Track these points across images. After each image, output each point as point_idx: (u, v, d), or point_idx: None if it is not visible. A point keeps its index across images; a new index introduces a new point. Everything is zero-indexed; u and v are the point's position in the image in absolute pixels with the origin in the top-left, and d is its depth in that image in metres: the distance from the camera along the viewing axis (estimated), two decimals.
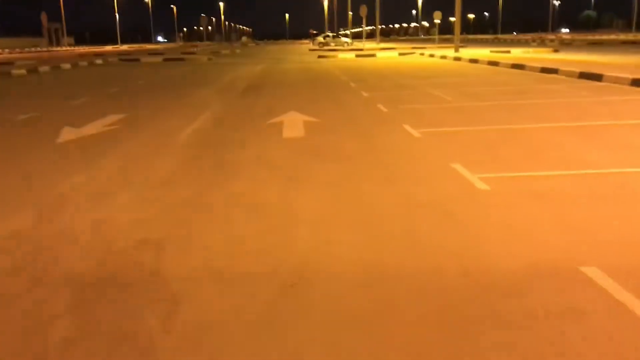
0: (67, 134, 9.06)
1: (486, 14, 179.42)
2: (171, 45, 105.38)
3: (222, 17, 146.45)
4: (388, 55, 37.43)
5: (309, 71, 24.05)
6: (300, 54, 47.72)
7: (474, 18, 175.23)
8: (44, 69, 26.23)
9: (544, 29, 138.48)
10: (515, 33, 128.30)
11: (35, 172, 6.62)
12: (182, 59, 35.74)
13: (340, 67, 25.96)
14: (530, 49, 37.03)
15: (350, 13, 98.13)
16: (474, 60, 25.37)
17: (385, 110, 10.98)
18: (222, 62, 33.95)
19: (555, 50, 35.73)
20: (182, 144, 8.12)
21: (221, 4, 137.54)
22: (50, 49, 75.89)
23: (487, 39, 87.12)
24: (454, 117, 9.83)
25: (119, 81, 20.58)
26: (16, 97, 15.96)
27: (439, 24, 59.20)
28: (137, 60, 35.68)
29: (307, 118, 10.14)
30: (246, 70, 25.39)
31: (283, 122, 9.81)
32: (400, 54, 37.33)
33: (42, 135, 9.09)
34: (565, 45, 49.23)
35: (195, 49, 58.96)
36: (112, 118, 10.73)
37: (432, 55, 33.13)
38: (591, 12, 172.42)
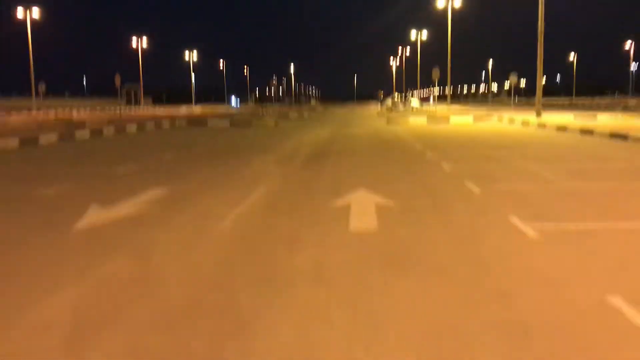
0: (92, 215, 7.51)
1: (558, 75, 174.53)
2: (242, 107, 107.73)
3: (293, 78, 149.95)
4: (462, 120, 35.33)
5: (378, 137, 22.33)
6: (368, 117, 46.48)
7: (545, 82, 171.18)
8: (109, 132, 25.89)
9: (620, 92, 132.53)
10: (616, 95, 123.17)
11: (19, 280, 4.96)
12: (249, 123, 35.08)
13: (411, 133, 24.13)
14: (620, 115, 34.00)
15: (418, 75, 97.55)
16: (561, 128, 22.89)
17: (477, 190, 8.89)
18: (289, 126, 32.96)
19: None
20: (217, 238, 6.32)
21: (292, 66, 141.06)
22: (127, 109, 78.68)
23: (562, 104, 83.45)
24: (572, 205, 7.60)
25: (178, 147, 19.55)
26: (60, 163, 14.98)
27: (510, 87, 56.84)
28: (205, 124, 35.32)
29: (379, 200, 8.21)
30: (312, 135, 23.99)
31: (350, 205, 7.91)
32: (475, 119, 35.15)
33: (61, 217, 7.57)
34: None
35: (263, 112, 59.16)
36: (151, 193, 9.19)
37: (511, 121, 30.78)
38: None
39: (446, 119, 35.52)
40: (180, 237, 6.35)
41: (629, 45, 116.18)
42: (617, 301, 4.05)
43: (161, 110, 70.87)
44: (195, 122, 36.56)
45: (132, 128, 28.11)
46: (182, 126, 34.13)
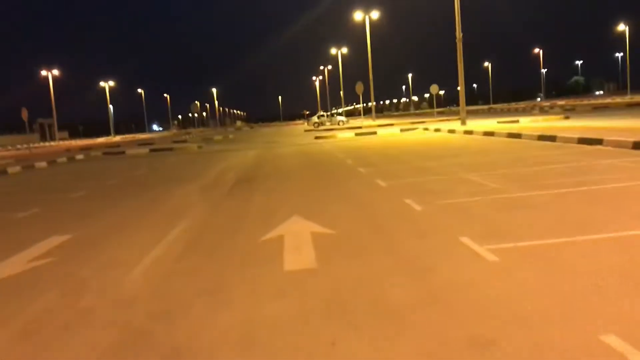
0: None
1: (475, 85, 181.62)
2: (165, 133, 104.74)
3: (216, 102, 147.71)
4: (389, 132, 35.32)
5: (308, 155, 21.56)
6: (296, 135, 45.78)
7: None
8: (14, 169, 23.71)
9: (532, 96, 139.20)
10: (539, 98, 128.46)
11: None
12: (170, 149, 33.48)
13: (341, 148, 23.53)
14: (539, 117, 35.03)
15: (341, 92, 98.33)
16: (488, 133, 22.97)
17: (418, 208, 8.17)
18: (214, 149, 31.66)
19: (566, 117, 33.70)
20: (122, 298, 5.19)
21: (214, 90, 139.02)
22: (42, 144, 74.30)
23: (482, 110, 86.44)
24: (525, 219, 6.98)
25: (91, 180, 17.95)
26: None
27: (430, 97, 58.03)
28: (123, 152, 33.38)
29: (316, 228, 7.32)
30: (238, 158, 22.90)
31: (284, 237, 6.97)
32: (402, 130, 35.20)
33: None
34: (568, 111, 47.57)
35: (187, 137, 57.25)
36: (52, 242, 7.87)
37: (437, 130, 30.91)
38: (580, 78, 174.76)
39: (373, 132, 35.37)
40: (72, 303, 5.17)
41: (538, 52, 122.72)
42: (614, 342, 3.32)
43: (77, 143, 67.27)
44: (113, 152, 34.55)
45: (42, 164, 25.96)
46: (98, 157, 32.07)
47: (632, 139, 13.61)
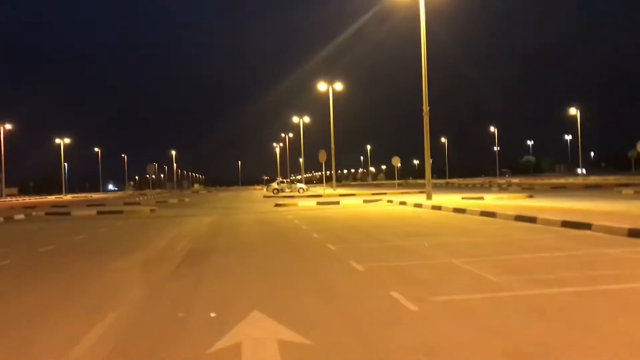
0: None
1: (430, 160, 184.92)
2: (120, 194, 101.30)
3: (175, 164, 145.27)
4: (352, 202, 34.05)
5: (268, 225, 19.85)
6: (255, 201, 44.08)
7: (418, 164, 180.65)
8: None
9: (485, 173, 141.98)
10: (507, 174, 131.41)
11: None
12: (120, 212, 31.18)
13: (304, 218, 21.95)
14: (503, 195, 34.48)
15: (301, 159, 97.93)
16: (459, 210, 21.86)
17: (413, 308, 6.55)
18: (167, 214, 29.56)
19: (530, 196, 33.25)
20: None
21: (173, 152, 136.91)
22: None
23: (440, 184, 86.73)
24: (558, 336, 5.46)
25: (22, 244, 15.75)
26: None
27: (386, 168, 57.72)
28: (68, 214, 30.88)
29: (284, 334, 5.61)
30: (193, 225, 20.99)
31: (241, 348, 5.23)
32: (365, 201, 34.01)
33: None
34: (526, 189, 47.65)
35: (140, 199, 54.76)
36: None
37: (403, 203, 29.79)
38: (530, 157, 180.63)
39: (336, 202, 34.06)
40: None
41: (493, 131, 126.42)
42: None
43: (23, 201, 63.56)
44: (57, 212, 31.97)
45: None
46: (40, 217, 29.47)
47: (625, 226, 12.52)
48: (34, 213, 30.84)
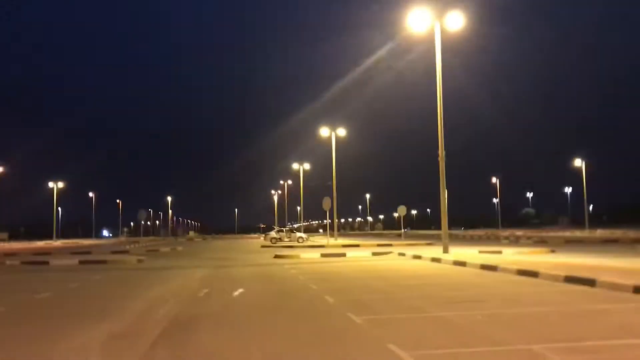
0: None
1: (428, 210, 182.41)
2: (113, 240, 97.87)
3: (170, 211, 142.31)
4: (359, 254, 31.18)
5: (270, 282, 16.99)
6: (252, 251, 41.08)
7: (416, 214, 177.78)
8: None
9: (485, 225, 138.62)
10: (462, 228, 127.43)
11: None
12: (104, 262, 28.19)
13: (310, 274, 19.10)
14: (524, 249, 31.62)
15: (299, 207, 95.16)
16: (489, 267, 19.03)
17: None
18: (156, 265, 26.61)
19: (552, 251, 30.46)
20: None
21: (169, 198, 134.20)
22: None
23: (439, 234, 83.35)
24: None
25: None
26: None
27: (400, 218, 55.11)
28: (46, 263, 27.88)
29: None
30: (181, 280, 18.12)
31: None
32: (374, 254, 31.11)
33: None
34: (539, 243, 44.85)
35: (131, 247, 51.65)
36: None
37: (417, 257, 26.92)
38: (530, 210, 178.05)
39: (342, 254, 31.15)
40: None
41: (495, 182, 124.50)
42: None
43: (5, 248, 60.29)
44: (35, 261, 28.96)
45: None
46: (13, 267, 26.47)
47: None
48: (7, 262, 27.84)
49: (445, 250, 27.16)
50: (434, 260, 24.39)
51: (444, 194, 27.79)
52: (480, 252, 29.27)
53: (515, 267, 17.64)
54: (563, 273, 15.01)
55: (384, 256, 29.78)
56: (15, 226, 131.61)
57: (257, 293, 14.19)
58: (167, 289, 15.63)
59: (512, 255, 27.52)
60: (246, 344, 8.02)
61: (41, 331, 9.35)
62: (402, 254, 29.53)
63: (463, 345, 7.47)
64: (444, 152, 27.57)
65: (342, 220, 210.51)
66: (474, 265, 20.16)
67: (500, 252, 29.34)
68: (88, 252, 39.11)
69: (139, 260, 28.75)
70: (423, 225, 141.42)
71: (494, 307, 10.68)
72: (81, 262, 27.74)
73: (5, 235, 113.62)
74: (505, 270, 17.78)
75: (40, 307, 12.45)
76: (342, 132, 55.08)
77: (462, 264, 21.29)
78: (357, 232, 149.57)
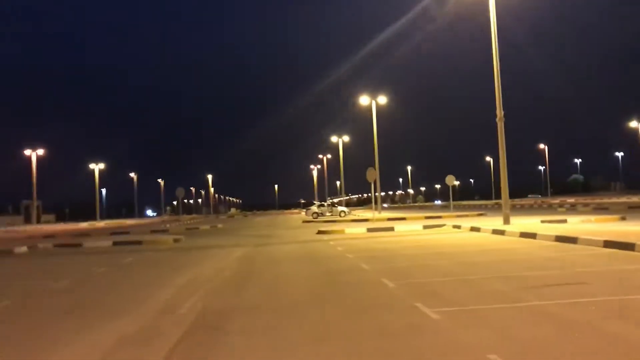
0: None
1: (471, 180, 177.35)
2: (156, 219, 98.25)
3: (212, 189, 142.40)
4: (408, 228, 28.86)
5: (315, 262, 14.98)
6: (294, 227, 39.30)
7: (459, 184, 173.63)
8: None
9: (531, 193, 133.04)
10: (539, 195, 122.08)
11: None
12: (139, 242, 26.79)
13: (359, 251, 17.02)
14: (591, 217, 28.71)
15: (338, 182, 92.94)
16: (566, 239, 16.53)
17: None
18: (193, 244, 25.04)
19: (623, 218, 27.52)
20: None
21: (209, 177, 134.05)
22: (22, 228, 67.16)
23: (489, 205, 79.82)
24: None
25: None
26: None
27: (452, 189, 52.35)
28: (79, 245, 26.68)
29: None
30: (217, 262, 16.34)
31: None
32: (425, 227, 28.80)
33: None
34: (598, 210, 41.58)
35: (170, 225, 50.74)
36: None
37: (476, 229, 24.50)
38: (578, 176, 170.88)
39: (390, 228, 28.95)
40: None
41: (543, 148, 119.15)
42: None
43: (49, 228, 60.39)
44: (68, 243, 27.80)
45: None
46: (45, 251, 25.30)
47: None
48: (40, 245, 26.72)
49: (506, 221, 24.64)
50: (496, 232, 21.95)
51: (504, 159, 25.14)
52: (542, 221, 26.61)
53: (600, 238, 15.10)
54: None
55: (437, 229, 27.45)
56: (62, 208, 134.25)
57: (302, 277, 12.16)
58: (200, 272, 13.82)
59: (580, 224, 24.85)
60: (291, 352, 5.99)
61: (37, 334, 7.56)
62: (457, 227, 27.11)
63: (592, 354, 5.25)
64: (502, 113, 24.83)
65: (382, 193, 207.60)
66: (546, 237, 17.67)
67: (565, 221, 26.66)
68: (127, 233, 38.03)
69: (176, 240, 27.25)
70: (466, 196, 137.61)
71: (602, 293, 8.34)
72: (115, 244, 26.43)
73: (52, 217, 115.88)
74: (588, 242, 15.25)
75: (51, 299, 10.74)
76: (382, 100, 52.36)
77: (531, 235, 18.80)
78: (399, 204, 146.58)
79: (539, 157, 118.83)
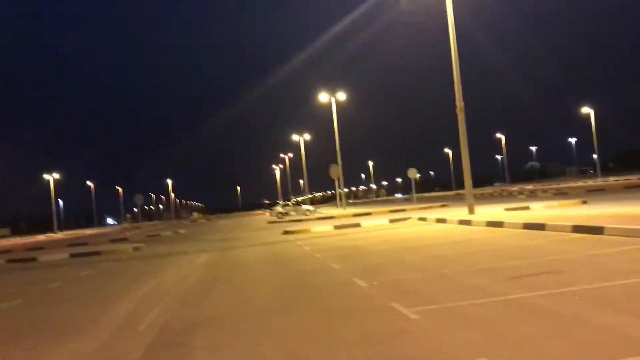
0: None
1: (431, 172, 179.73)
2: (115, 228, 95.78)
3: (172, 194, 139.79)
4: (375, 223, 28.58)
5: (282, 265, 14.43)
6: (259, 228, 38.59)
7: (420, 177, 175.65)
8: None
9: (489, 182, 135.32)
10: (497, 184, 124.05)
11: None
12: (98, 253, 25.69)
13: (327, 250, 16.56)
14: (554, 202, 28.99)
15: (301, 181, 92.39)
16: (533, 226, 16.45)
17: None
18: (154, 252, 24.14)
19: (584, 202, 27.86)
20: None
21: (169, 182, 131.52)
22: None
23: (450, 196, 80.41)
24: None
25: None
26: None
27: (414, 181, 52.57)
28: (33, 259, 25.42)
29: None
30: (180, 269, 15.62)
31: None
32: (391, 221, 28.55)
33: None
34: (558, 195, 42.32)
35: (131, 233, 49.32)
36: None
37: (441, 221, 24.38)
38: (535, 163, 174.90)
39: (356, 224, 28.62)
40: None
41: (499, 138, 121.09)
42: None
43: (7, 242, 58.03)
44: (22, 258, 26.46)
45: None
46: None
47: None
48: None
49: (471, 211, 24.56)
50: (463, 222, 21.82)
51: (465, 149, 25.01)
52: (506, 209, 26.73)
53: (568, 223, 15.03)
54: (637, 226, 12.41)
55: (403, 222, 27.24)
56: (17, 221, 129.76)
57: (270, 282, 11.60)
58: (162, 282, 13.10)
59: (544, 210, 25.05)
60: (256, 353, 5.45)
61: None
62: (423, 219, 26.96)
63: (602, 353, 4.88)
64: (462, 103, 24.74)
65: (346, 189, 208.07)
66: (513, 225, 17.57)
67: (528, 208, 26.88)
68: (85, 244, 36.70)
69: (136, 249, 26.25)
70: (427, 188, 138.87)
71: (583, 281, 8.06)
72: (72, 256, 25.25)
73: (7, 231, 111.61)
74: (557, 228, 15.16)
75: (1, 321, 9.89)
76: (341, 96, 52.10)
77: (498, 224, 18.68)
78: (362, 200, 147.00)
79: (496, 146, 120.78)
